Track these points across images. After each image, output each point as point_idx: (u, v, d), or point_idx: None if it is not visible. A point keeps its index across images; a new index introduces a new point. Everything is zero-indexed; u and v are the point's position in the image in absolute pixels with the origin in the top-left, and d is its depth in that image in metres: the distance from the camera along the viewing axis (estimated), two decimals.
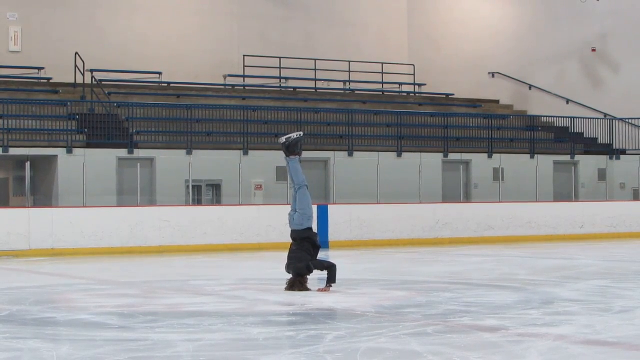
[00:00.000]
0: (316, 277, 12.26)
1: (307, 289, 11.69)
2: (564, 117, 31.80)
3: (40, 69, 29.23)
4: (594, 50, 32.80)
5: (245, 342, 8.00)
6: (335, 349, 7.45)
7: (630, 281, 13.44)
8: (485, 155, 28.68)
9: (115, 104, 26.66)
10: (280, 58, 32.73)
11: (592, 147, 30.96)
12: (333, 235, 22.97)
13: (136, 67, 30.75)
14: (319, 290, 11.74)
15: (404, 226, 24.40)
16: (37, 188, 24.87)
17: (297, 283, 11.72)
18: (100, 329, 8.81)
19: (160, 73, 30.63)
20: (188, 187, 24.32)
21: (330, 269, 11.84)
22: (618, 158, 30.40)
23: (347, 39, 35.14)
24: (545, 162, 29.12)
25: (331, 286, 11.79)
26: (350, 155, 26.75)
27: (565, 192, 28.89)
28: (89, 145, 24.36)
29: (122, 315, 9.87)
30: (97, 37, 30.80)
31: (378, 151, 27.17)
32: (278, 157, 25.74)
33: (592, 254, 20.28)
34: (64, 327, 9.15)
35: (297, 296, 11.39)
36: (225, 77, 32.07)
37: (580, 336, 8.13)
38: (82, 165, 23.47)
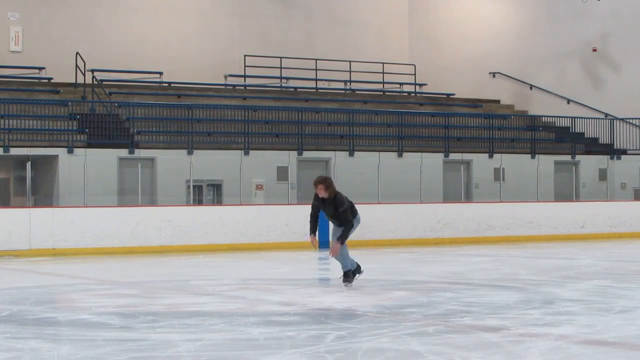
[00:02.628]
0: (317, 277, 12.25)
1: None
2: (564, 117, 31.79)
3: (41, 68, 29.24)
4: (594, 50, 32.80)
5: (246, 342, 8.01)
6: (336, 348, 7.45)
7: (631, 281, 13.44)
8: (486, 155, 28.68)
9: (116, 104, 26.67)
10: (281, 58, 32.74)
11: (593, 147, 30.96)
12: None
13: (137, 67, 30.76)
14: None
15: (405, 226, 24.40)
16: (38, 188, 24.88)
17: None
18: (101, 329, 8.82)
19: (161, 73, 30.64)
20: (189, 187, 24.32)
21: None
22: (619, 158, 30.40)
23: (348, 39, 35.15)
24: (546, 162, 29.12)
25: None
26: (351, 155, 26.76)
27: (566, 192, 28.88)
28: (89, 145, 24.37)
29: (123, 315, 9.87)
30: (97, 37, 30.81)
31: (379, 151, 27.17)
32: (279, 157, 25.83)
33: (593, 254, 20.28)
34: (64, 327, 9.15)
35: (298, 296, 11.39)
36: (226, 77, 32.08)
37: (581, 336, 8.13)
38: (83, 165, 23.47)
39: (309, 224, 12.50)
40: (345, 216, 12.26)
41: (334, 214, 12.33)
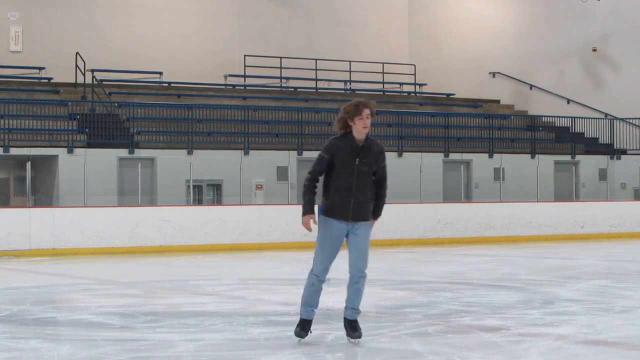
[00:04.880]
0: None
1: None
2: (564, 117, 31.79)
3: (41, 68, 29.23)
4: (594, 50, 32.79)
5: (246, 342, 8.01)
6: (336, 348, 7.45)
7: (631, 281, 13.44)
8: (486, 155, 28.67)
9: (116, 104, 26.66)
10: (280, 58, 32.73)
11: (593, 147, 30.95)
12: None
13: (137, 67, 30.75)
14: None
15: (405, 226, 24.39)
16: (38, 188, 24.87)
17: None
18: (101, 329, 8.82)
19: (161, 73, 30.63)
20: (189, 187, 24.32)
21: None
22: (619, 158, 30.39)
23: (348, 39, 35.14)
24: (546, 162, 29.11)
25: None
26: None
27: (566, 192, 28.87)
28: (89, 145, 24.36)
29: (123, 315, 9.87)
30: (97, 37, 30.80)
31: None
32: (279, 157, 25.82)
33: (593, 254, 20.28)
34: (64, 327, 9.15)
35: (298, 296, 11.37)
36: (226, 77, 32.07)
37: (581, 336, 8.13)
38: (83, 165, 23.47)
39: (305, 195, 7.70)
40: (385, 176, 7.91)
41: (364, 173, 7.66)
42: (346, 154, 7.67)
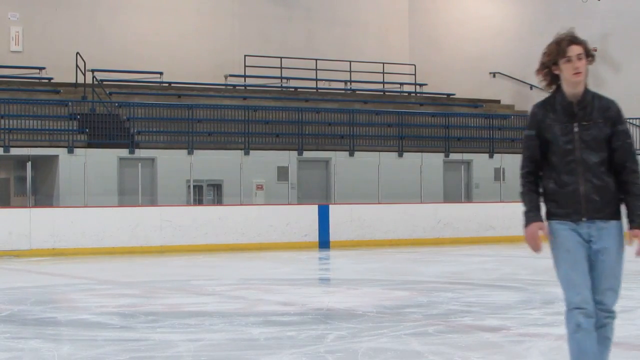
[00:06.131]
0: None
1: None
2: None
3: (41, 68, 29.22)
4: (595, 50, 32.69)
5: (246, 342, 8.00)
6: (336, 348, 7.44)
7: (631, 281, 13.42)
8: (487, 155, 28.67)
9: (116, 104, 26.66)
10: (281, 58, 32.72)
11: None
12: (334, 235, 22.97)
13: (137, 67, 30.74)
14: None
15: (405, 226, 24.39)
16: (38, 188, 24.87)
17: None
18: (101, 329, 8.82)
19: (161, 73, 30.62)
20: (189, 187, 24.33)
21: None
22: None
23: (348, 39, 35.15)
24: None
25: None
26: (351, 155, 26.75)
27: None
28: (90, 145, 24.36)
29: (123, 315, 9.87)
30: (98, 37, 30.80)
31: (379, 151, 27.16)
32: (279, 157, 25.82)
33: None
34: (64, 327, 9.15)
35: (298, 296, 11.38)
36: (226, 77, 32.07)
37: None
38: (83, 165, 23.47)
39: (523, 188, 5.16)
40: (629, 149, 5.45)
41: (591, 143, 5.32)
42: (556, 120, 5.29)
